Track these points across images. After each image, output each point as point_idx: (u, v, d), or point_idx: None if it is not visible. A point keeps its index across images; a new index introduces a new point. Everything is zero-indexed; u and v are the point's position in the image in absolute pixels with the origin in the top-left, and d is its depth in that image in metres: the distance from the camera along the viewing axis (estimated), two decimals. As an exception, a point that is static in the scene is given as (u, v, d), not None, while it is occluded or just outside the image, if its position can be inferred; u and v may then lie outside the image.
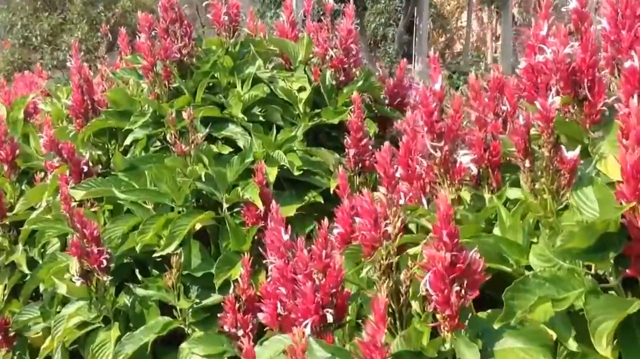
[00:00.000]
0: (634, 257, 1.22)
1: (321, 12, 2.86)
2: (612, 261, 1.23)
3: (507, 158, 1.55)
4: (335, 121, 2.42)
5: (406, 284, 1.40)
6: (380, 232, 1.57)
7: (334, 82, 2.52)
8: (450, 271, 1.25)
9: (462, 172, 1.52)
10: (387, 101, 2.70)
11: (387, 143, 1.61)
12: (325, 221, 1.48)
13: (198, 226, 2.16)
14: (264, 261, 1.71)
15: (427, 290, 1.27)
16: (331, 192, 2.24)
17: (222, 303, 1.84)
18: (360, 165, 2.24)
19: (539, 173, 1.37)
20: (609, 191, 1.29)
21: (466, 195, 1.51)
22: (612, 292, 1.24)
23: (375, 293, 1.57)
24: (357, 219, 1.66)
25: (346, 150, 2.24)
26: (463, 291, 1.26)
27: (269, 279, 1.70)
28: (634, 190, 1.19)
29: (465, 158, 1.50)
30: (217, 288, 2.02)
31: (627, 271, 1.23)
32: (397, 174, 1.66)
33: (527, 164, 1.37)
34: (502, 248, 1.35)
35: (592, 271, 1.29)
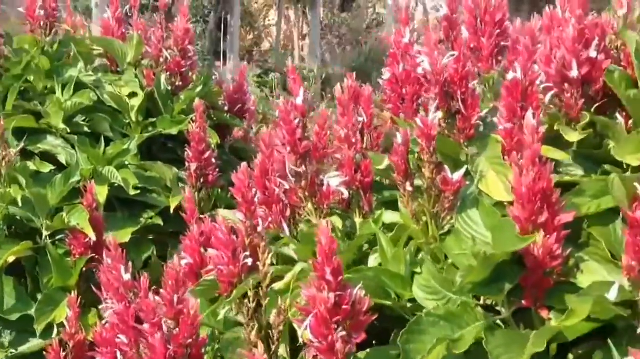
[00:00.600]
0: (529, 288, 1.12)
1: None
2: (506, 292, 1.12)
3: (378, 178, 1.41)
4: (174, 131, 2.17)
5: (279, 330, 1.22)
6: (239, 266, 1.37)
7: (169, 88, 2.28)
8: (334, 314, 1.08)
9: (331, 195, 1.36)
10: (226, 108, 2.49)
11: (244, 164, 1.40)
12: (176, 260, 1.25)
13: (11, 259, 1.82)
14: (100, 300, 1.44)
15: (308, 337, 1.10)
16: (171, 211, 2.00)
17: (44, 351, 1.55)
18: (202, 180, 2.03)
19: (420, 196, 1.25)
20: (497, 214, 1.19)
21: (338, 221, 1.35)
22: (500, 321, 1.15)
23: (237, 336, 1.38)
24: (211, 250, 1.45)
25: (187, 164, 2.01)
26: (348, 336, 1.10)
27: (105, 324, 1.43)
28: (530, 215, 1.09)
29: (334, 180, 1.34)
30: (38, 333, 1.71)
31: (522, 301, 1.13)
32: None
33: (409, 187, 1.24)
34: (385, 281, 1.21)
35: (482, 302, 1.19)
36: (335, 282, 1.07)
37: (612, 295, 1.04)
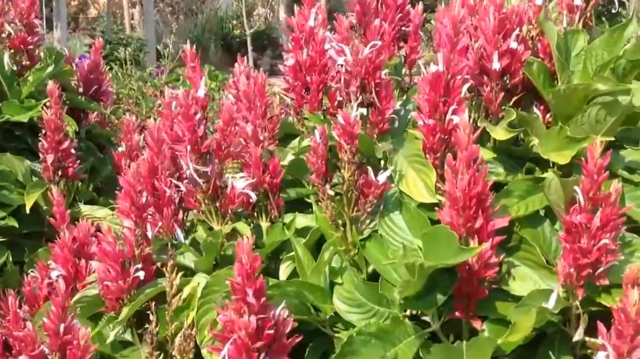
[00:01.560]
0: (462, 298, 1.05)
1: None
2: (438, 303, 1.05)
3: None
4: (25, 118, 1.89)
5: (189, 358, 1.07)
6: (129, 281, 1.21)
7: (14, 68, 1.99)
8: (256, 339, 0.95)
9: (236, 199, 1.22)
10: (80, 89, 2.22)
11: (133, 165, 1.22)
12: (61, 285, 1.06)
13: None
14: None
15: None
16: (27, 210, 1.75)
17: None
18: (60, 173, 1.79)
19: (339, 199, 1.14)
20: (424, 220, 1.10)
21: (245, 229, 1.20)
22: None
23: (132, 362, 1.21)
24: (94, 263, 1.27)
25: (41, 155, 1.77)
26: (271, 362, 0.98)
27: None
28: (466, 221, 1.01)
29: (240, 182, 1.20)
30: None
31: (455, 313, 1.06)
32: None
33: (328, 190, 1.12)
34: (306, 295, 1.09)
35: (408, 313, 1.10)
36: (258, 304, 0.94)
37: (551, 304, 0.99)
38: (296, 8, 1.38)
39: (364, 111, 1.08)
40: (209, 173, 1.19)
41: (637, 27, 1.19)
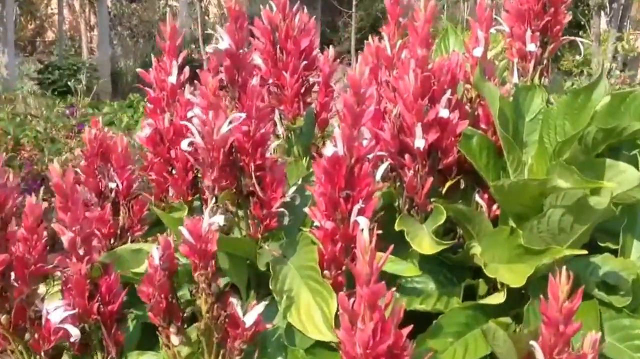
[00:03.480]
0: None
1: None
2: None
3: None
4: None
5: None
6: None
7: None
8: None
9: (54, 335, 0.85)
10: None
11: None
12: None
13: None
14: None
15: None
16: None
17: None
18: None
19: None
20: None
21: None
22: None
23: None
24: None
25: None
26: None
27: None
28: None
29: (56, 314, 0.83)
30: None
31: None
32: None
33: (174, 337, 0.76)
34: None
35: None
36: None
37: None
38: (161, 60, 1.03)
39: (219, 220, 0.73)
40: (9, 299, 0.82)
41: (608, 88, 0.87)
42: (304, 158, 1.19)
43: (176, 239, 0.84)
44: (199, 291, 0.76)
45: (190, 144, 0.82)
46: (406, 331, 0.67)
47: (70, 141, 3.06)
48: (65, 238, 0.81)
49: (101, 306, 0.84)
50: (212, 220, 0.73)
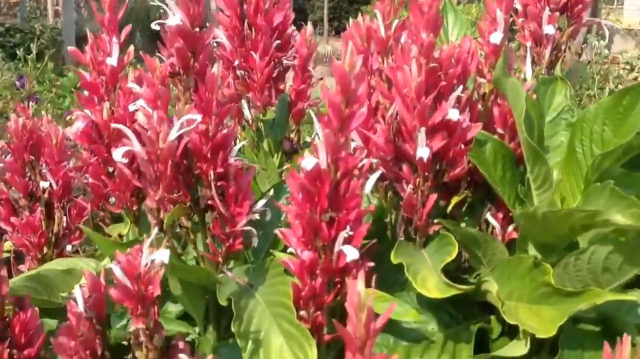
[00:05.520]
0: None
1: None
2: None
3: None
4: None
5: None
6: None
7: None
8: None
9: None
10: None
11: None
12: None
13: None
14: None
15: None
16: None
17: None
18: None
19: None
20: None
21: None
22: None
23: None
24: None
25: None
26: None
27: None
28: None
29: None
30: None
31: None
32: None
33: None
34: None
35: None
36: None
37: None
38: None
39: (165, 256, 0.55)
40: None
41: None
42: (275, 155, 1.02)
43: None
44: (136, 343, 0.58)
45: (126, 154, 0.63)
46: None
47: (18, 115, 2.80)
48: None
49: (15, 351, 0.66)
50: (154, 257, 0.55)
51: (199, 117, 0.64)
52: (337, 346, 0.70)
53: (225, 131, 0.71)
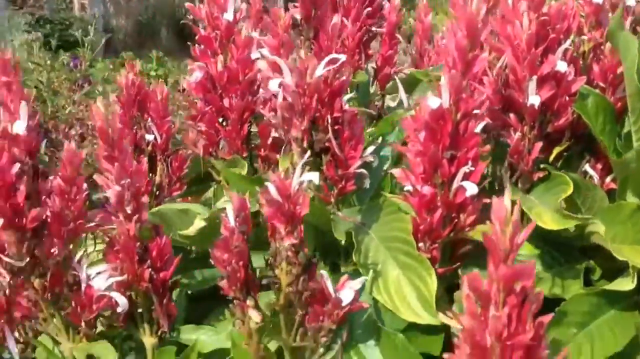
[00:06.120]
0: None
1: None
2: None
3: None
4: None
5: None
6: None
7: None
8: None
9: (97, 304, 0.72)
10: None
11: None
12: None
13: None
14: None
15: None
16: None
17: None
18: None
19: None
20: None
21: (107, 352, 0.72)
22: None
23: None
24: None
25: None
26: None
27: None
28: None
29: (100, 279, 0.70)
30: None
31: None
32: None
33: (252, 310, 0.63)
34: None
35: None
36: None
37: None
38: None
39: (314, 177, 0.61)
40: (44, 262, 0.69)
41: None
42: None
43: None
44: (277, 260, 0.64)
45: (280, 85, 0.68)
46: (546, 319, 0.55)
47: (73, 94, 2.86)
48: (112, 192, 0.68)
49: (152, 272, 0.72)
50: (305, 178, 0.60)
51: (343, 57, 0.69)
52: (444, 282, 0.75)
53: (343, 78, 0.76)
